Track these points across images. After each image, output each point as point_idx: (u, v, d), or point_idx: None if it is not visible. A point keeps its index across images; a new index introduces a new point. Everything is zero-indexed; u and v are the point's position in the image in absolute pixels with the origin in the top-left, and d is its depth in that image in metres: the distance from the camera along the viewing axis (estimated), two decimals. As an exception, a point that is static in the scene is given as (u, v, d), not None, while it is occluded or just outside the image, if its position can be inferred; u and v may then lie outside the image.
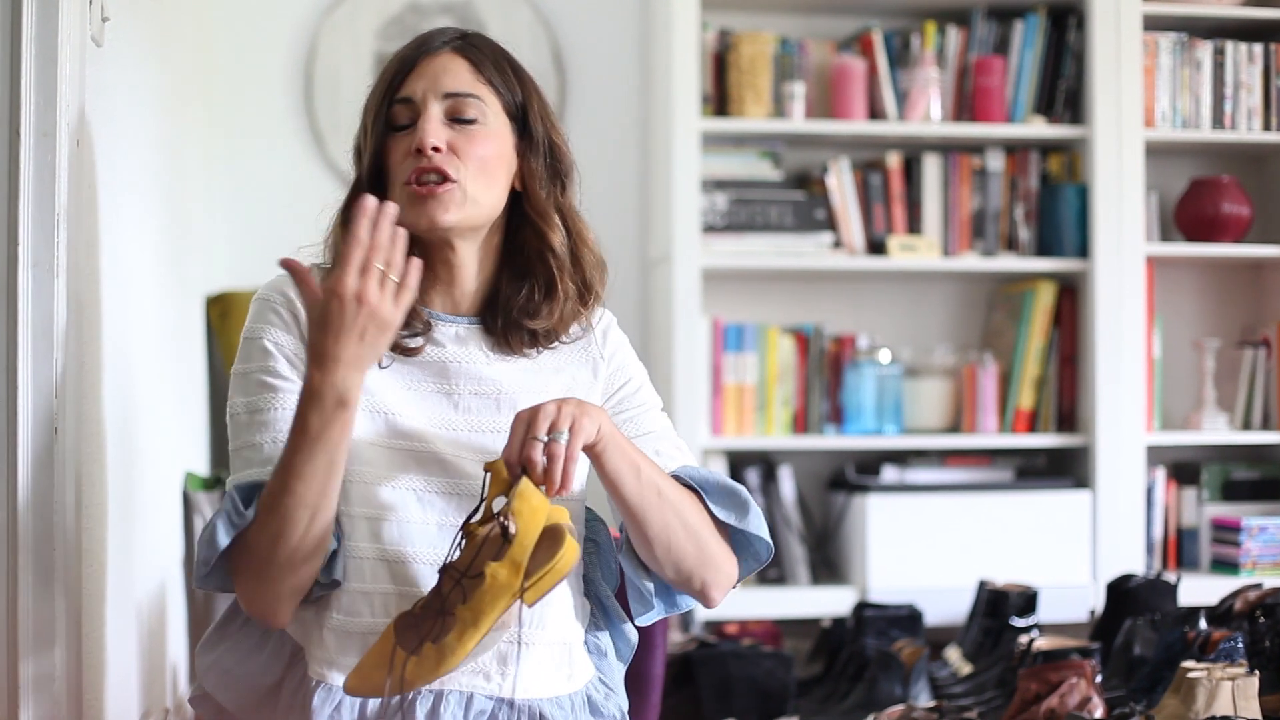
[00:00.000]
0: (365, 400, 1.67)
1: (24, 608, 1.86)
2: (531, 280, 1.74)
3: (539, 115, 1.74)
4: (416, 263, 1.58)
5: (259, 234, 3.72)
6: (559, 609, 1.74)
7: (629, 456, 1.67)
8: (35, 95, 1.87)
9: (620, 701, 1.82)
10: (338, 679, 1.65)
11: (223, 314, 3.51)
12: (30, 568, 1.87)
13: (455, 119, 1.69)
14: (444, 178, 1.67)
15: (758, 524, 1.75)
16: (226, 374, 3.48)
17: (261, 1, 3.85)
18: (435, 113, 1.68)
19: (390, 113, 1.71)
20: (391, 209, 1.57)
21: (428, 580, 1.66)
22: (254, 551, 1.60)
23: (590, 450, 1.63)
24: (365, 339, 1.54)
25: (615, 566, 1.83)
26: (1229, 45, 3.81)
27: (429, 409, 1.72)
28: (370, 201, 1.56)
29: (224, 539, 1.60)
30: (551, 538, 1.57)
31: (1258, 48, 3.82)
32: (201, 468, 3.27)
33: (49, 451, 1.88)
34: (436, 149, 1.67)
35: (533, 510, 1.55)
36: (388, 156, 1.71)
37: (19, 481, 1.86)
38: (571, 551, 1.57)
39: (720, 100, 3.74)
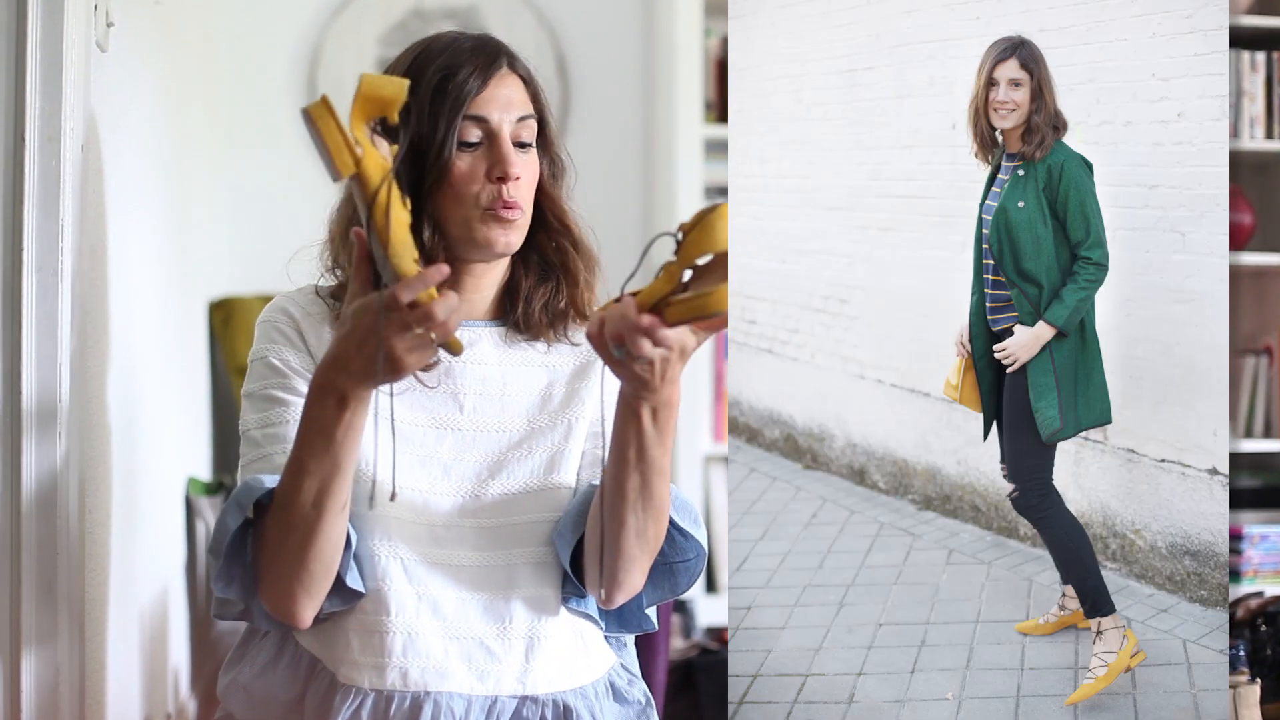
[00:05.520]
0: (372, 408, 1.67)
1: (27, 612, 1.87)
2: (555, 277, 1.77)
3: (551, 121, 1.77)
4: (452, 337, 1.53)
5: (262, 240, 3.71)
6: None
7: (666, 438, 1.63)
8: (40, 100, 1.88)
9: (644, 688, 1.84)
10: (363, 680, 1.66)
11: (226, 319, 3.51)
12: (33, 572, 1.87)
13: (516, 143, 1.69)
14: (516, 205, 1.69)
15: (699, 555, 1.76)
16: (230, 379, 3.52)
17: (265, 7, 3.86)
18: (509, 138, 1.68)
19: (461, 127, 1.67)
20: (452, 298, 1.51)
21: (437, 579, 1.68)
22: (266, 546, 1.62)
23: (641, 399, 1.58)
24: (380, 370, 1.51)
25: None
26: (1231, 53, 3.80)
27: (434, 409, 1.73)
28: (444, 271, 1.51)
29: (234, 521, 1.62)
30: (715, 269, 1.50)
31: (1260, 56, 3.82)
32: (204, 473, 3.27)
33: (52, 456, 1.88)
34: (517, 177, 1.67)
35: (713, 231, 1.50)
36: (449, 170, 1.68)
37: (22, 486, 1.87)
38: (722, 296, 1.48)
39: (723, 107, 3.74)
